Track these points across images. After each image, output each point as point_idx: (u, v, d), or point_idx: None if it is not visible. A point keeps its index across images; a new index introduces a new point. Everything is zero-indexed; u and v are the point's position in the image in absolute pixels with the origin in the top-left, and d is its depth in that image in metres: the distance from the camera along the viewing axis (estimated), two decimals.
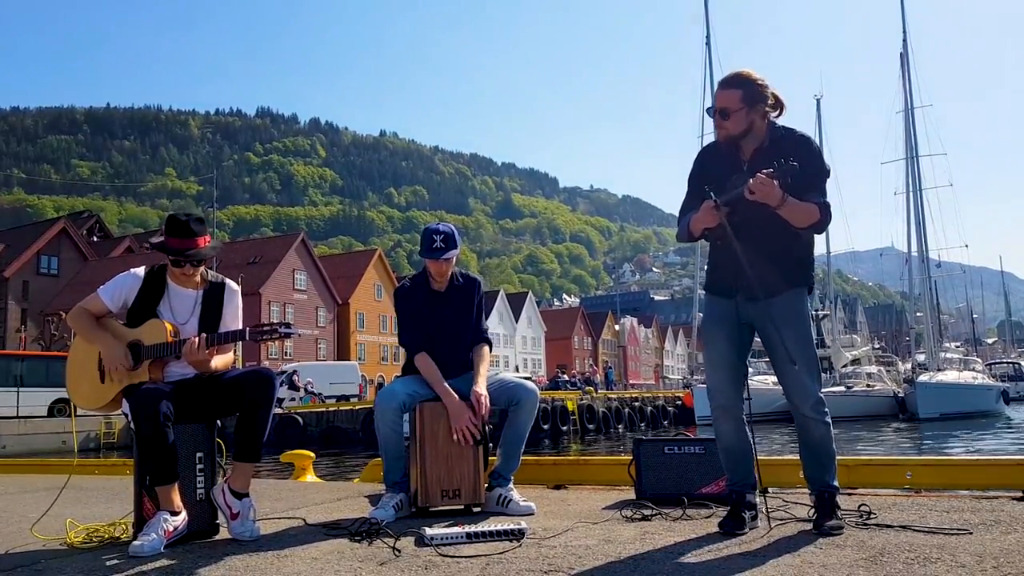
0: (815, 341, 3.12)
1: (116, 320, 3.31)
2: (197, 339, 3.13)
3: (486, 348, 3.88)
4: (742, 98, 2.92)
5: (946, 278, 51.69)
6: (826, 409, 2.95)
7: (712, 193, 2.88)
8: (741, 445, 3.05)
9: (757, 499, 3.05)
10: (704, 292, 3.21)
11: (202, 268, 3.35)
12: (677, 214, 3.14)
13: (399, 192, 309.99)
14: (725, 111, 2.94)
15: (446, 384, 3.63)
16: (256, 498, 3.24)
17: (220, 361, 3.30)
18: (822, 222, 2.85)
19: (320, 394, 33.70)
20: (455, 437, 3.52)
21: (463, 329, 3.84)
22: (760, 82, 2.95)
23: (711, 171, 3.06)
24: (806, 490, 3.07)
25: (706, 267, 3.22)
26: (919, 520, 2.97)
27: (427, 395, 3.63)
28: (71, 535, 3.18)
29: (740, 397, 3.05)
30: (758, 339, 3.09)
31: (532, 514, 3.47)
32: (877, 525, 2.88)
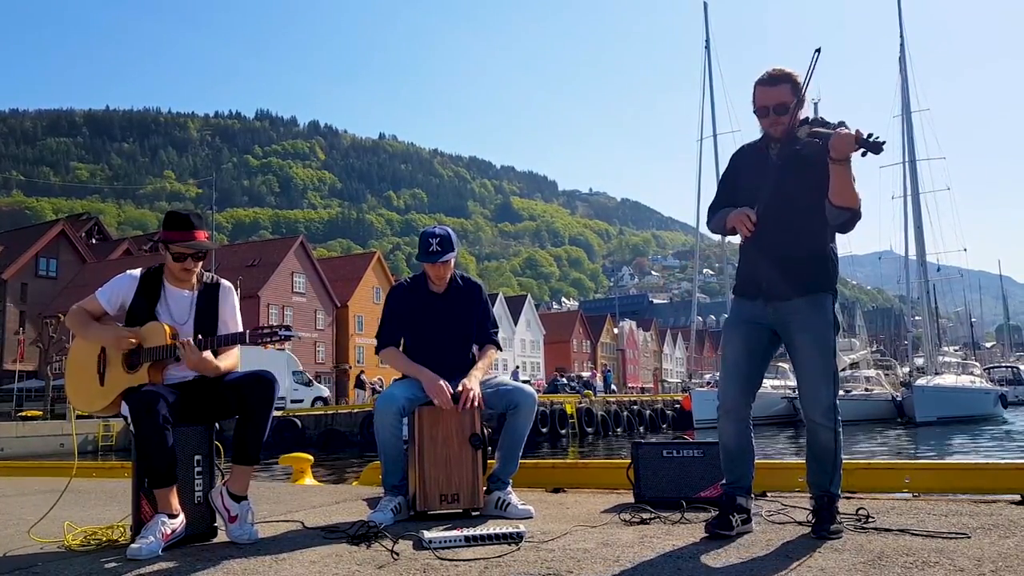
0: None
1: (114, 323, 3.30)
2: (191, 341, 3.12)
3: (492, 348, 3.89)
4: (792, 91, 2.95)
5: (944, 282, 51.70)
6: (838, 417, 2.94)
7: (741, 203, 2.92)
8: (741, 447, 3.04)
9: (750, 504, 3.03)
10: (732, 293, 3.23)
11: (200, 267, 3.35)
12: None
13: (398, 195, 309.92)
14: (783, 106, 2.94)
15: (417, 364, 3.65)
16: (254, 501, 3.23)
17: (226, 363, 3.30)
18: (858, 214, 2.85)
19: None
20: (436, 402, 3.53)
21: (460, 332, 3.84)
22: (799, 77, 2.97)
23: (744, 173, 3.09)
24: (805, 494, 3.06)
25: (736, 268, 3.23)
26: (917, 524, 2.97)
27: (426, 399, 3.62)
28: (69, 538, 3.18)
29: (747, 400, 3.05)
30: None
31: (531, 517, 3.48)
32: (875, 529, 2.88)
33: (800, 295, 2.96)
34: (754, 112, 3.02)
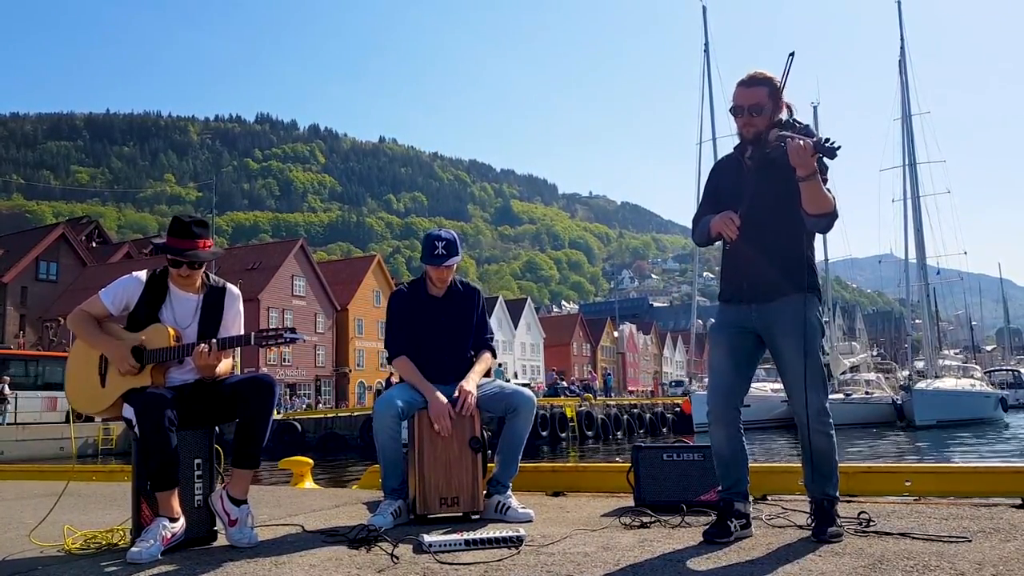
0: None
1: (117, 324, 3.30)
2: (206, 345, 3.12)
3: (488, 353, 3.89)
4: (769, 94, 2.97)
5: (945, 285, 51.73)
6: (830, 420, 2.94)
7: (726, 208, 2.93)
8: (734, 453, 3.04)
9: (749, 508, 3.03)
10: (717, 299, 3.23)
11: (202, 272, 3.35)
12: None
13: (398, 198, 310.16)
14: (758, 107, 2.96)
15: (427, 382, 3.64)
16: (254, 505, 3.23)
17: (222, 367, 3.29)
18: (835, 215, 2.86)
19: None
20: (435, 427, 3.53)
21: (460, 336, 3.84)
22: (779, 82, 2.99)
23: (723, 183, 3.12)
24: (806, 497, 3.06)
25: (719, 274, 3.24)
26: (918, 527, 2.97)
27: (425, 402, 3.62)
28: (69, 541, 3.18)
29: (736, 405, 3.05)
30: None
31: (530, 521, 3.47)
32: (876, 532, 2.88)
33: (782, 295, 2.97)
34: (730, 111, 3.05)
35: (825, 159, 2.77)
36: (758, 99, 2.97)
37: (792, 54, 2.85)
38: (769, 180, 2.91)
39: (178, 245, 3.22)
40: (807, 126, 2.86)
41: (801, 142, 2.71)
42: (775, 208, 2.94)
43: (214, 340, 3.16)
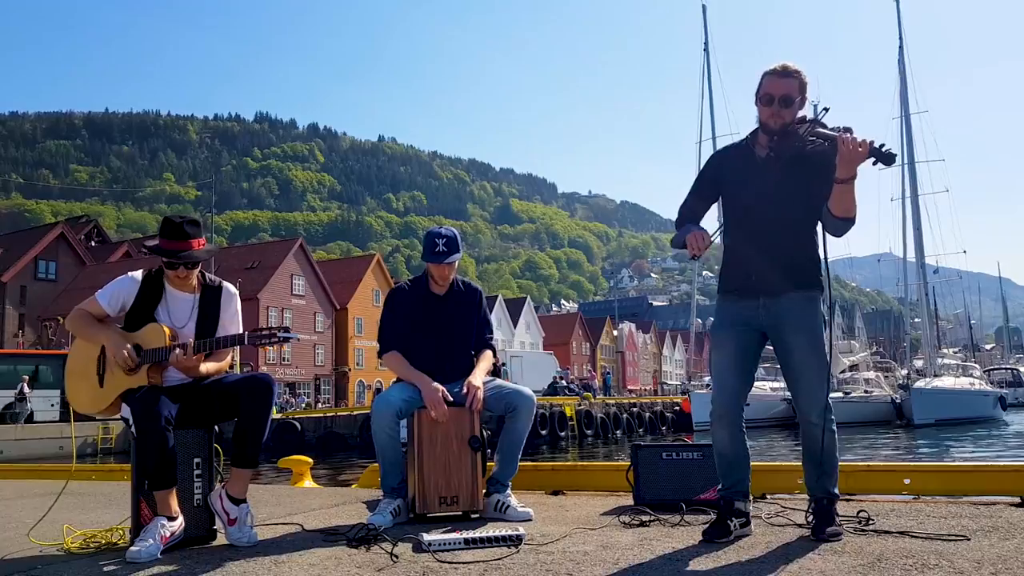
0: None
1: (114, 324, 3.30)
2: (181, 348, 3.11)
3: (489, 352, 3.89)
4: (799, 88, 2.94)
5: (944, 284, 51.81)
6: (833, 416, 2.94)
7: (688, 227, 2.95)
8: (736, 452, 3.03)
9: (748, 507, 3.03)
10: (717, 294, 3.21)
11: (198, 271, 3.35)
12: (675, 218, 3.15)
13: (397, 197, 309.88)
14: (789, 98, 2.91)
15: (418, 372, 3.64)
16: (254, 504, 3.24)
17: (214, 366, 3.29)
18: (854, 220, 2.85)
19: None
20: (433, 414, 3.52)
21: (460, 335, 3.84)
22: (806, 77, 2.96)
23: (728, 174, 3.09)
24: (805, 496, 3.06)
25: (720, 268, 3.21)
26: (917, 526, 2.97)
27: (423, 401, 3.62)
28: (68, 541, 3.18)
29: (740, 404, 3.04)
30: (770, 346, 3.09)
31: (530, 520, 3.47)
32: (875, 531, 2.88)
33: (791, 290, 2.95)
34: (757, 100, 2.96)
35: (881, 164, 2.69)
36: (789, 90, 2.91)
37: (826, 109, 2.81)
38: (789, 173, 2.87)
39: (171, 246, 3.21)
40: (848, 128, 2.75)
41: (859, 140, 2.65)
42: (791, 201, 2.91)
43: (190, 342, 3.15)
